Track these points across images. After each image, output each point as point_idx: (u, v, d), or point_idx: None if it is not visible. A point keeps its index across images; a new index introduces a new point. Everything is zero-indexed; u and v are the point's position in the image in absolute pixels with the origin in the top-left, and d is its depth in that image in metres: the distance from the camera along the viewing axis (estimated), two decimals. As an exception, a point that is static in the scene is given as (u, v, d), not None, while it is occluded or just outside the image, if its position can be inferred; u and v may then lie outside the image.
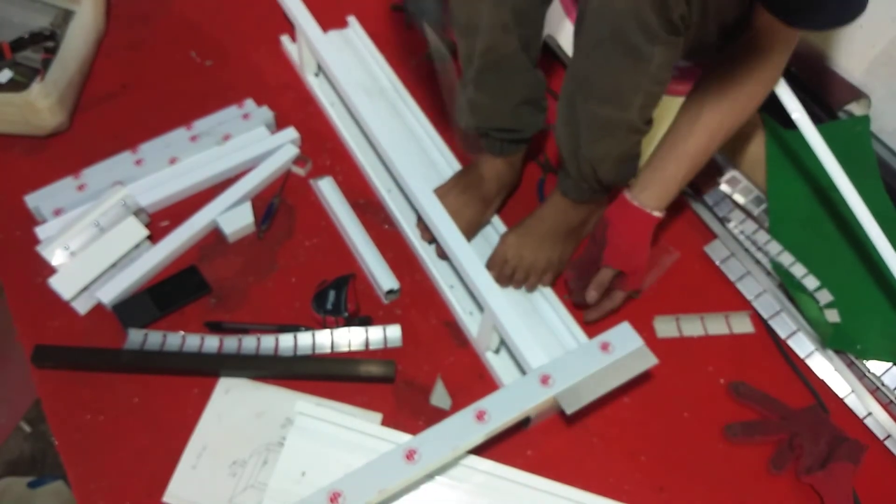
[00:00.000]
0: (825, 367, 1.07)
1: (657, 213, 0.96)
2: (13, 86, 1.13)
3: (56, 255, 0.99)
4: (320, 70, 1.25)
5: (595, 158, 0.97)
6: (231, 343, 0.98)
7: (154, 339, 0.96)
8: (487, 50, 0.90)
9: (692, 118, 0.94)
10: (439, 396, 0.98)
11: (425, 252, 1.09)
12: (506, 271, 1.05)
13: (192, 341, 0.97)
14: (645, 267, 1.01)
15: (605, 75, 0.87)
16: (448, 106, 1.01)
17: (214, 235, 1.09)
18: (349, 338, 1.00)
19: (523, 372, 0.95)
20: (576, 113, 0.93)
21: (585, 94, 0.90)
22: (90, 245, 1.01)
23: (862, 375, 1.06)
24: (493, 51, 0.89)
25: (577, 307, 1.06)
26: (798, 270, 1.10)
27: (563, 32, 1.27)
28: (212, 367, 0.96)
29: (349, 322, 1.01)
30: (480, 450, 0.90)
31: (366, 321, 1.02)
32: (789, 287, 1.09)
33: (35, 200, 1.06)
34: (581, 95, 0.90)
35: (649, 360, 0.94)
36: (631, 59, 0.84)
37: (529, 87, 1.03)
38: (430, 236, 1.08)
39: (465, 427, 0.85)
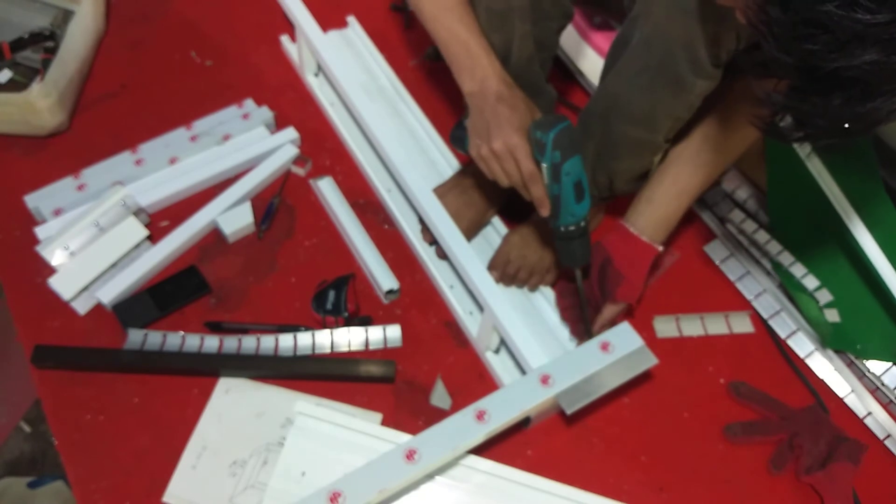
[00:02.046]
0: (825, 367, 1.07)
1: (661, 248, 0.99)
2: (13, 86, 1.13)
3: (56, 255, 0.99)
4: (320, 70, 1.25)
5: (615, 172, 1.01)
6: (231, 343, 0.98)
7: (154, 339, 0.96)
8: (515, 77, 0.93)
9: (695, 155, 0.96)
10: (439, 396, 0.98)
11: (425, 252, 1.09)
12: (509, 271, 1.05)
13: (192, 341, 0.97)
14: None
15: (644, 101, 0.90)
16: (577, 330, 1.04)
17: (214, 235, 1.09)
18: (349, 338, 1.00)
19: (523, 372, 0.95)
20: (603, 129, 0.96)
21: (619, 115, 0.93)
22: (90, 245, 1.01)
23: (862, 375, 1.06)
24: (518, 78, 0.93)
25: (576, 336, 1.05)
26: (798, 270, 1.10)
27: (583, 58, 1.28)
28: (212, 367, 0.96)
29: (349, 322, 1.01)
30: (480, 450, 0.90)
31: (366, 321, 1.02)
32: (789, 287, 1.09)
33: (35, 200, 1.06)
34: (614, 115, 0.93)
35: (649, 360, 0.94)
36: (674, 88, 0.87)
37: (543, 103, 1.04)
38: (431, 238, 1.08)
39: (466, 427, 0.85)
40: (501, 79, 0.89)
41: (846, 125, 0.58)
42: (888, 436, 1.02)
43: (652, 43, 0.84)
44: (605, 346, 0.93)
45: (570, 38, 1.30)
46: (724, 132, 0.95)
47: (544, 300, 1.08)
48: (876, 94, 0.55)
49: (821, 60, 0.53)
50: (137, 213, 1.05)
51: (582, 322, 1.00)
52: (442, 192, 1.08)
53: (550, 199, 0.90)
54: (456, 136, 1.00)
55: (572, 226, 0.91)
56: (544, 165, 0.87)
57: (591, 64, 1.29)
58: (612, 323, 1.00)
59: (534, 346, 0.91)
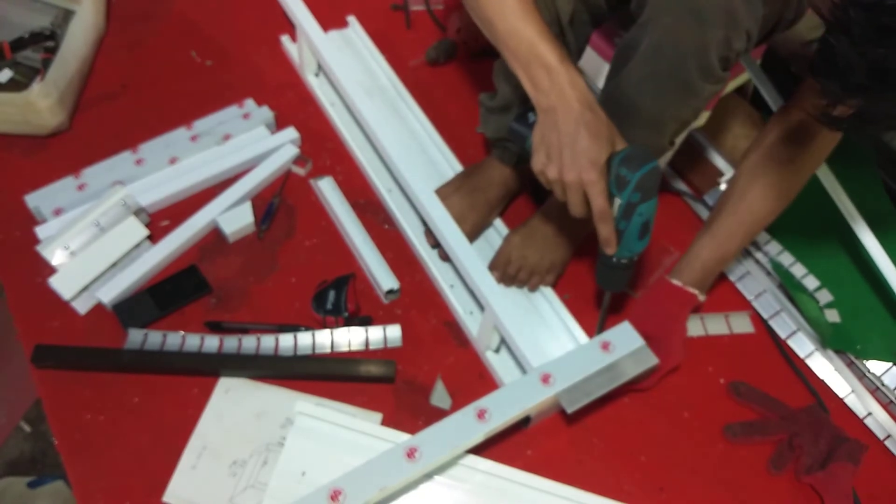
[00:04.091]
0: (825, 367, 1.07)
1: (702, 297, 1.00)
2: (13, 86, 1.13)
3: (56, 255, 0.99)
4: (320, 70, 1.25)
5: None
6: (231, 343, 0.98)
7: (154, 339, 0.96)
8: None
9: (746, 218, 0.99)
10: (439, 396, 0.98)
11: (425, 252, 1.09)
12: (510, 271, 1.05)
13: (192, 341, 0.97)
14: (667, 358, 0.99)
15: (651, 106, 0.89)
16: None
17: (214, 235, 1.09)
18: (349, 338, 1.00)
19: (524, 371, 0.95)
20: None
21: (625, 119, 0.92)
22: (90, 245, 1.01)
23: (862, 375, 1.06)
24: None
25: None
26: (798, 270, 1.10)
27: (589, 65, 1.27)
28: (212, 367, 0.96)
29: (349, 322, 1.01)
30: (480, 449, 0.90)
31: (366, 321, 1.02)
32: (789, 287, 1.09)
33: (35, 200, 1.06)
34: (620, 119, 0.92)
35: (649, 360, 0.94)
36: (682, 94, 0.87)
37: None
38: (434, 241, 1.07)
39: (466, 425, 0.85)
40: (584, 99, 0.80)
41: None
42: (888, 436, 1.02)
43: (661, 49, 0.83)
44: (605, 346, 0.93)
45: (603, 76, 1.29)
46: (777, 193, 0.97)
47: (544, 300, 1.08)
48: None
49: (892, 62, 0.54)
50: (137, 212, 1.05)
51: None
52: (446, 193, 1.08)
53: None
54: (517, 132, 0.90)
55: (625, 259, 0.89)
56: (618, 201, 0.83)
57: (593, 66, 1.28)
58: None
59: (534, 346, 0.91)
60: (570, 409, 0.89)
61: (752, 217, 0.99)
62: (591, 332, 1.04)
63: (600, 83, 1.28)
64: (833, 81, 0.61)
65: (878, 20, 0.53)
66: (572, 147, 0.80)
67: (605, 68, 1.23)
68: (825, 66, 0.61)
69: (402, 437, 0.89)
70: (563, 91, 0.80)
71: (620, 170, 0.81)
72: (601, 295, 1.00)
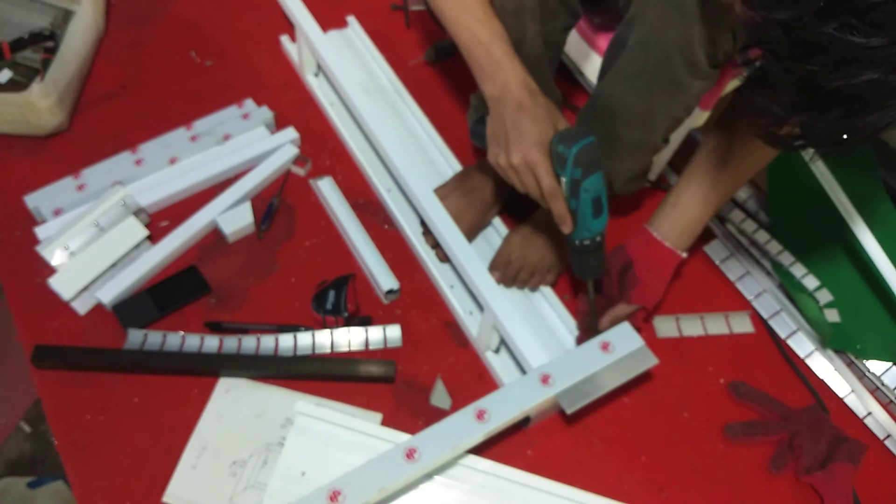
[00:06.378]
0: (825, 367, 1.07)
1: (685, 254, 0.98)
2: (13, 86, 1.13)
3: (56, 255, 0.99)
4: (320, 70, 1.25)
5: (614, 172, 1.01)
6: (231, 343, 0.98)
7: (154, 339, 0.96)
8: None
9: (722, 160, 0.95)
10: (439, 396, 0.98)
11: (425, 252, 1.09)
12: (510, 272, 1.05)
13: (192, 341, 0.97)
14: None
15: (641, 102, 0.90)
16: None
17: (214, 235, 1.09)
18: (349, 338, 1.00)
19: (523, 371, 0.95)
20: (601, 130, 0.95)
21: (617, 117, 0.93)
22: (90, 245, 1.01)
23: (862, 375, 1.06)
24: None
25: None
26: (798, 270, 1.10)
27: (584, 59, 1.28)
28: (212, 367, 0.96)
29: (349, 322, 1.01)
30: (480, 449, 0.90)
31: (366, 321, 1.02)
32: (789, 287, 1.09)
33: (35, 200, 1.06)
34: (612, 117, 0.93)
35: (649, 360, 0.94)
36: (671, 89, 0.87)
37: None
38: (434, 241, 1.07)
39: (466, 426, 0.85)
40: (523, 84, 0.84)
41: (844, 136, 0.59)
42: (888, 436, 1.02)
43: (648, 45, 0.84)
44: (605, 346, 0.93)
45: (571, 39, 1.30)
46: (750, 140, 0.94)
47: (544, 300, 1.08)
48: (874, 109, 0.56)
49: (821, 80, 0.54)
50: (137, 213, 1.05)
51: (590, 331, 0.98)
52: (443, 193, 1.08)
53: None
54: (477, 132, 0.95)
55: (587, 240, 0.89)
56: (563, 180, 0.84)
57: (592, 65, 1.29)
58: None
59: (534, 346, 0.91)
60: (569, 410, 0.89)
61: (715, 198, 0.97)
62: (590, 332, 1.04)
63: (585, 70, 1.29)
64: (769, 102, 0.61)
65: (798, 37, 0.53)
66: (516, 131, 0.83)
67: (591, 55, 1.23)
68: (760, 85, 0.62)
69: (402, 437, 0.89)
70: (506, 79, 0.83)
71: (558, 148, 0.83)
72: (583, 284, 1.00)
